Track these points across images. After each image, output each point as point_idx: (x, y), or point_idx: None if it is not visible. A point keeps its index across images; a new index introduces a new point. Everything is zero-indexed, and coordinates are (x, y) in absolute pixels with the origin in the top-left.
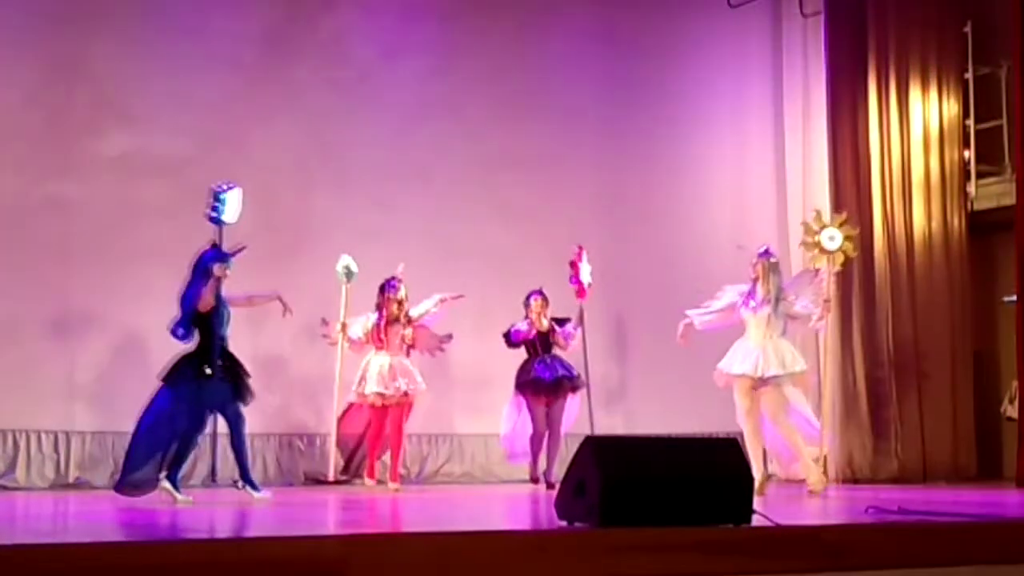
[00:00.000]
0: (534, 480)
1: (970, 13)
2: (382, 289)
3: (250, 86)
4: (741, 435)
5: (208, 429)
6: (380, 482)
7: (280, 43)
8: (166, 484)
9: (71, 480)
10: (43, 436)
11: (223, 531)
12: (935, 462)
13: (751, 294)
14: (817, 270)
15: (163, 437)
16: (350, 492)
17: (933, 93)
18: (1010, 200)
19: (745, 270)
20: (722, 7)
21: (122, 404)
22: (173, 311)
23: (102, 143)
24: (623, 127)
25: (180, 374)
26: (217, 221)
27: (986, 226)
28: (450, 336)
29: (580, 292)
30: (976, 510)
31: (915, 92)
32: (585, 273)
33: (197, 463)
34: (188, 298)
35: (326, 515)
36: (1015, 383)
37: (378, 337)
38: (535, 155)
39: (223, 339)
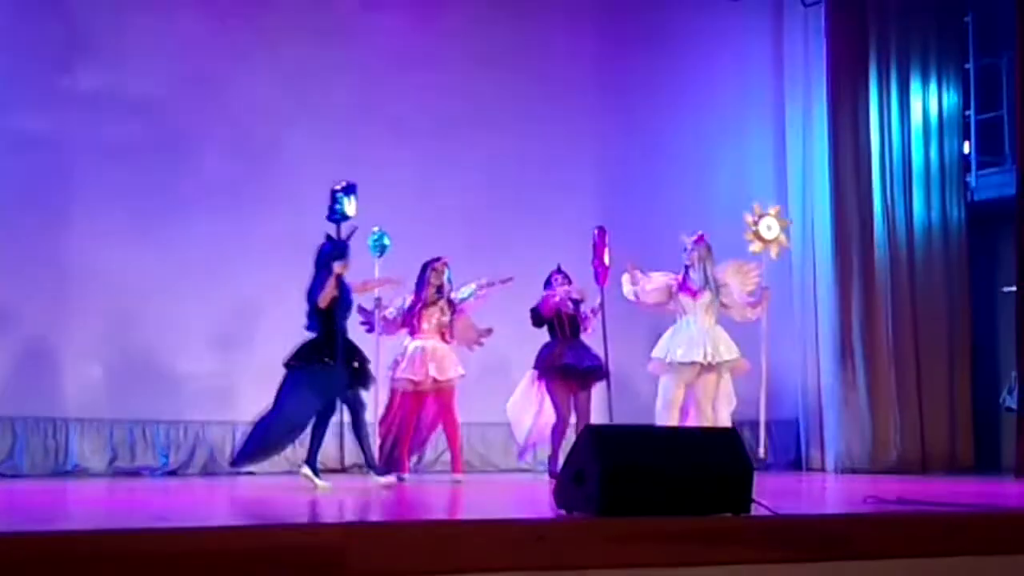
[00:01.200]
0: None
1: (971, 3)
2: (424, 269)
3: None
4: (741, 424)
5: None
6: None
7: None
8: (306, 471)
9: (70, 468)
10: (42, 422)
11: (221, 519)
12: (934, 452)
13: (686, 281)
14: (745, 262)
15: (285, 421)
16: (352, 481)
17: (934, 83)
18: (1010, 191)
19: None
20: None
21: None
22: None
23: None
24: (616, 108)
25: (303, 361)
26: (336, 220)
27: (986, 217)
28: (490, 330)
29: (602, 276)
30: (975, 500)
31: (916, 82)
32: (607, 257)
33: (196, 450)
34: (312, 293)
35: (327, 503)
36: (1014, 374)
37: (411, 320)
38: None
39: (344, 329)
